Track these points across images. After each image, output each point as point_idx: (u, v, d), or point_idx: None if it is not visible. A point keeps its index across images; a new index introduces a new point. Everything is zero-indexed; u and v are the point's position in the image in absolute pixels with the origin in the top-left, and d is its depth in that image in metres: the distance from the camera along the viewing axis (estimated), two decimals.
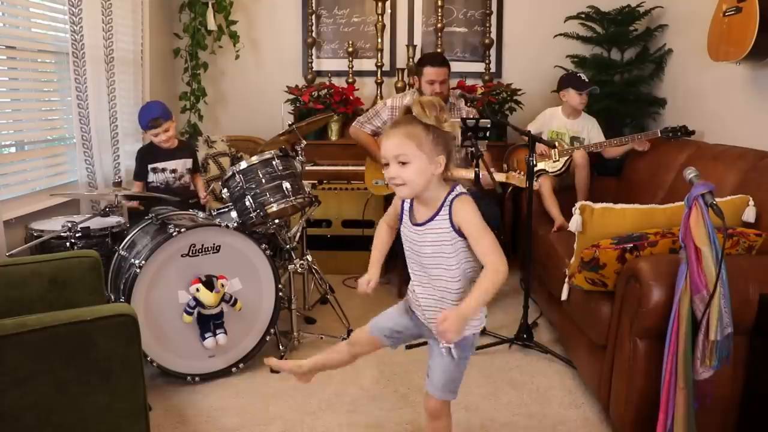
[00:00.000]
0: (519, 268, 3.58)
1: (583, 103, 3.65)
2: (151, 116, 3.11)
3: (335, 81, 4.48)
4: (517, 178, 3.21)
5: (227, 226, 2.60)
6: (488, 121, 3.10)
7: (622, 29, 4.17)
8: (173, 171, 3.19)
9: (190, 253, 2.54)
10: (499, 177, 3.19)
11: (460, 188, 1.65)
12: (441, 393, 1.75)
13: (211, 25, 4.30)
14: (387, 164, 1.60)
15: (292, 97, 4.37)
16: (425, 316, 1.76)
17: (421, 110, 1.56)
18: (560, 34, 4.33)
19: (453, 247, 1.63)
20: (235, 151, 4.19)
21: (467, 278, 1.68)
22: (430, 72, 3.40)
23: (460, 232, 1.61)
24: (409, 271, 1.77)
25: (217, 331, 2.59)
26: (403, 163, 1.56)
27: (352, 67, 4.46)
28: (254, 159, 2.78)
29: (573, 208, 2.34)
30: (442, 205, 1.62)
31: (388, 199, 3.78)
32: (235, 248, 2.64)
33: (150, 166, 3.15)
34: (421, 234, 1.66)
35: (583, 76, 3.65)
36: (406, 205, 1.73)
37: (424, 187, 1.60)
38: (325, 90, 4.34)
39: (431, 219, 1.64)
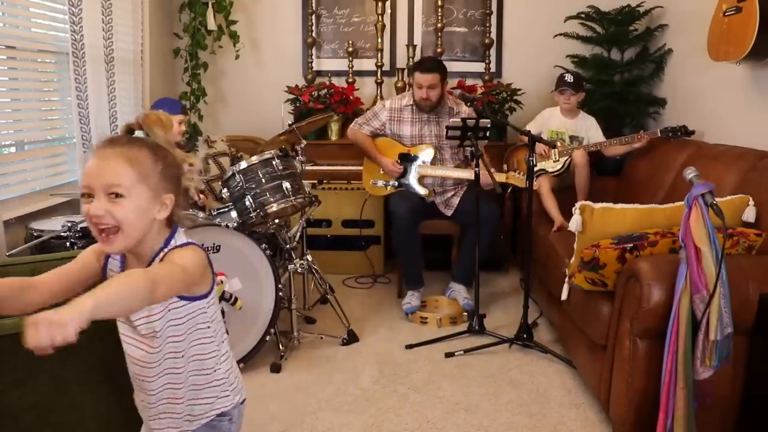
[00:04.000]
0: (519, 268, 3.58)
1: (567, 102, 3.61)
2: (180, 103, 3.22)
3: (335, 81, 4.48)
4: (516, 178, 3.22)
5: (227, 226, 2.60)
6: (488, 121, 3.11)
7: (622, 29, 4.16)
8: None
9: None
10: (499, 177, 3.20)
11: (182, 236, 1.21)
12: None
13: (211, 25, 4.29)
14: (88, 195, 1.10)
15: (292, 97, 4.37)
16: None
17: (149, 127, 1.18)
18: (560, 34, 4.33)
19: (184, 325, 1.20)
20: (235, 151, 4.17)
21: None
22: (418, 77, 3.39)
23: (184, 296, 1.17)
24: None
25: None
26: (117, 196, 1.09)
27: (352, 67, 4.46)
28: (254, 159, 2.78)
29: (573, 208, 2.34)
30: (152, 260, 1.17)
31: (386, 200, 3.78)
32: (235, 248, 2.63)
33: None
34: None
35: (568, 77, 3.60)
36: (114, 265, 1.23)
37: (141, 237, 1.14)
38: (325, 90, 4.34)
39: None
